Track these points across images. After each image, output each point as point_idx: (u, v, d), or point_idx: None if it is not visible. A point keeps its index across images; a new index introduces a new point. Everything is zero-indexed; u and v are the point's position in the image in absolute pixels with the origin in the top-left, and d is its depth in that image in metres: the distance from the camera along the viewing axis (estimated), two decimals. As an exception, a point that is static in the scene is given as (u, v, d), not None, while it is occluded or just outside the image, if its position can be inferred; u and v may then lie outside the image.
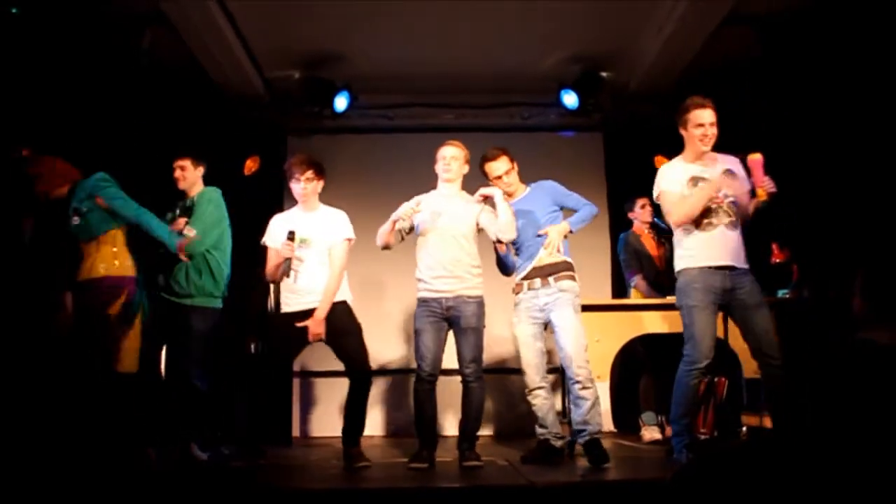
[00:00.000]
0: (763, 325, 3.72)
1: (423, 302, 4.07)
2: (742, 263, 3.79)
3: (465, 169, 4.22)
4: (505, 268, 4.22)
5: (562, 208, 4.26)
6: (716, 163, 3.88)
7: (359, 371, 4.07)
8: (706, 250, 3.77)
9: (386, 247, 4.13)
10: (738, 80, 5.71)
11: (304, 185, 4.13)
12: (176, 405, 4.10)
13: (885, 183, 4.67)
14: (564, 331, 4.00)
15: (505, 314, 4.36)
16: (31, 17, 4.59)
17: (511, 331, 4.25)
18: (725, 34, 5.32)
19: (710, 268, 3.74)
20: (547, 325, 4.14)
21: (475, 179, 4.29)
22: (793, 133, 5.39)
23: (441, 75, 6.13)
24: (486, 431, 6.04)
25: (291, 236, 4.02)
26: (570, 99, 6.18)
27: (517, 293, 4.18)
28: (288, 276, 4.04)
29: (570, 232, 4.18)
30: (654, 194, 3.98)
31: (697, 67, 5.71)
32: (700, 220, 3.79)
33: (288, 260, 4.02)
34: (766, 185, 3.76)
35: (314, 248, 4.11)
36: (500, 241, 4.06)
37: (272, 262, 4.15)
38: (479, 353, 4.03)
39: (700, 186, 3.80)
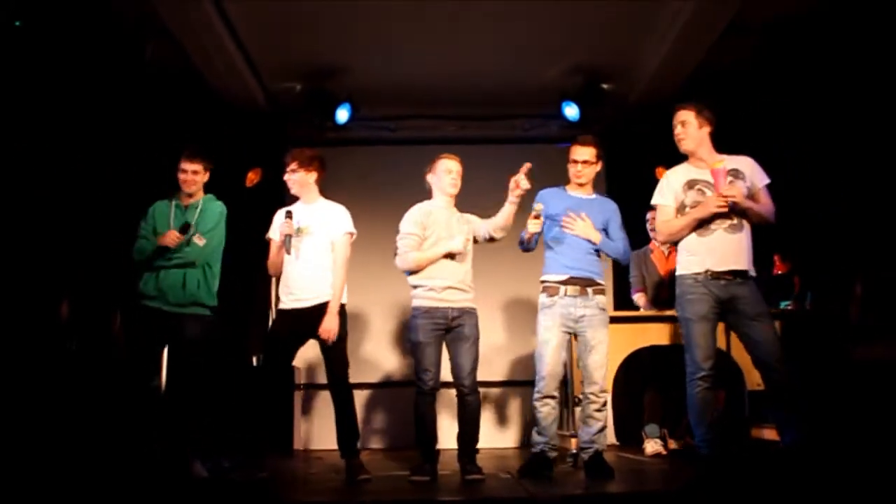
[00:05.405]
0: (764, 336, 3.57)
1: (426, 312, 4.01)
2: (744, 266, 3.63)
3: None
4: (528, 247, 4.16)
5: (604, 230, 4.18)
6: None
7: (338, 382, 4.07)
8: (701, 256, 3.65)
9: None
10: (739, 90, 5.71)
11: (288, 177, 4.19)
12: (175, 417, 4.09)
13: (887, 193, 4.67)
14: (597, 352, 4.02)
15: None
16: (32, 29, 4.61)
17: (537, 333, 4.10)
18: (726, 46, 5.33)
19: (706, 274, 3.62)
20: (575, 336, 4.09)
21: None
22: (793, 144, 5.38)
23: (442, 87, 6.13)
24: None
25: (289, 215, 4.08)
26: (571, 111, 6.19)
27: (551, 295, 4.07)
28: (289, 252, 4.05)
29: (593, 243, 4.10)
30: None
31: (698, 79, 5.72)
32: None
33: (288, 237, 4.04)
34: (725, 194, 3.56)
35: (313, 239, 4.12)
36: (536, 217, 4.00)
37: (273, 254, 4.18)
38: (477, 364, 4.05)
39: (688, 212, 3.69)
